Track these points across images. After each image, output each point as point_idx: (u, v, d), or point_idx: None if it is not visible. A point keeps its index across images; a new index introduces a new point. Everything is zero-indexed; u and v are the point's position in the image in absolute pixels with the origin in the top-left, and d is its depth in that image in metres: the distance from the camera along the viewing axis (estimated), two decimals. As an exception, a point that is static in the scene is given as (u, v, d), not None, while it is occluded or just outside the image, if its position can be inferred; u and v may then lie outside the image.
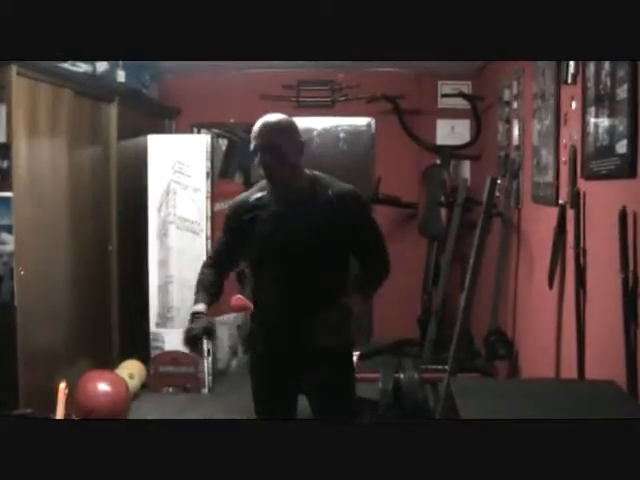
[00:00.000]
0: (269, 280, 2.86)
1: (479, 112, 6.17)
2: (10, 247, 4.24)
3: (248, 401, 3.02)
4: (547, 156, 3.81)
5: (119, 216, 5.65)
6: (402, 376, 4.56)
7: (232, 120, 6.56)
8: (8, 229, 4.24)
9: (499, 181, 4.86)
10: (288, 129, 2.79)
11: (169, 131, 6.70)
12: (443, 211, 6.30)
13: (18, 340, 4.25)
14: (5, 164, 4.23)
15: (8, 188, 4.22)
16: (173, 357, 5.45)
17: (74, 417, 4.60)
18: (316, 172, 2.91)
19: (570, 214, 3.28)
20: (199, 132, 6.70)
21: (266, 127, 2.75)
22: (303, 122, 7.04)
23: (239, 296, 4.68)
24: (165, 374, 5.56)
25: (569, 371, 3.26)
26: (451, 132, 6.78)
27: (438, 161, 6.58)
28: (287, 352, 2.81)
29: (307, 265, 2.77)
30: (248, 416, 3.05)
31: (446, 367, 4.32)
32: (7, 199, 4.23)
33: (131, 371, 5.34)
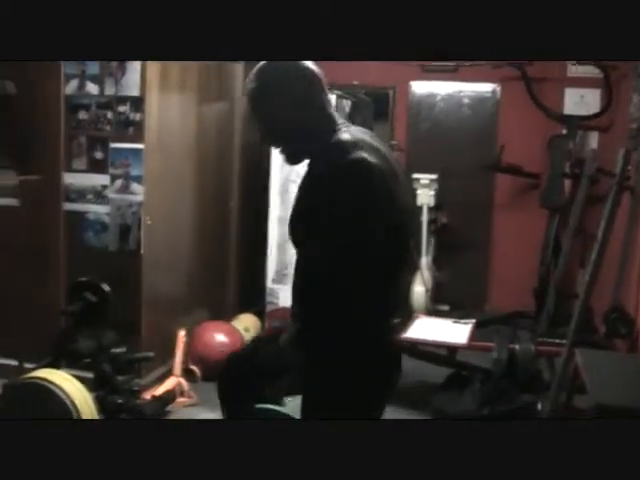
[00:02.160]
0: None
1: (611, 82, 5.94)
2: (139, 197, 4.38)
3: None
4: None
5: (241, 172, 5.76)
6: (518, 347, 4.49)
7: (355, 82, 6.53)
8: (138, 180, 4.38)
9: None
10: (273, 79, 2.16)
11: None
12: (567, 182, 6.14)
13: (142, 286, 4.42)
14: (138, 117, 4.37)
15: (140, 140, 4.36)
16: (287, 313, 5.50)
17: (190, 366, 4.76)
18: (348, 133, 2.15)
19: None
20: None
21: (249, 81, 2.18)
22: (427, 87, 7.01)
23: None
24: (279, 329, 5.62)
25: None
26: (580, 101, 6.54)
27: (564, 131, 6.37)
28: None
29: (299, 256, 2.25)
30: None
31: (563, 341, 4.22)
32: (139, 150, 4.37)
33: (246, 324, 5.45)
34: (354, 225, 2.02)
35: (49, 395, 3.58)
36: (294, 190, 5.32)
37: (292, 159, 2.28)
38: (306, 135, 2.20)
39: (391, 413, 4.37)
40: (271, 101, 2.15)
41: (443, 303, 6.67)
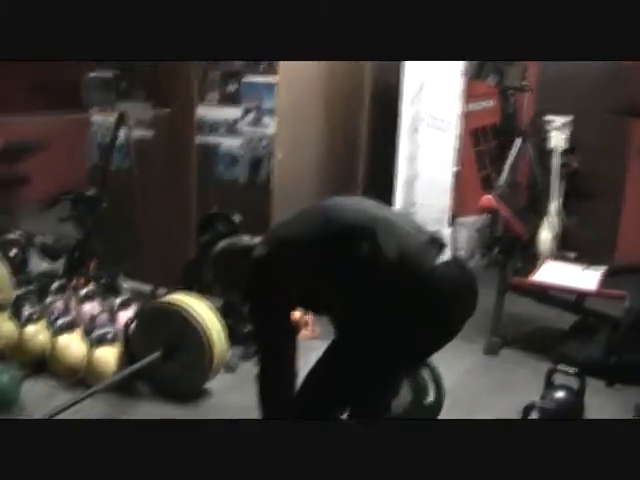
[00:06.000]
0: None
1: None
2: (270, 130, 4.43)
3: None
4: None
5: (371, 109, 5.72)
6: (651, 297, 4.34)
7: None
8: (270, 113, 4.42)
9: None
10: None
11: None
12: None
13: (272, 219, 4.49)
14: (272, 50, 4.39)
15: (273, 73, 4.39)
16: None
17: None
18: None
19: None
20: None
21: None
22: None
23: (489, 196, 4.64)
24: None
25: None
26: None
27: None
28: None
29: None
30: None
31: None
32: (271, 85, 4.40)
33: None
34: None
35: (181, 318, 3.72)
36: (424, 129, 5.24)
37: None
38: None
39: (517, 358, 4.34)
40: None
41: (570, 250, 6.49)
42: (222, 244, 2.77)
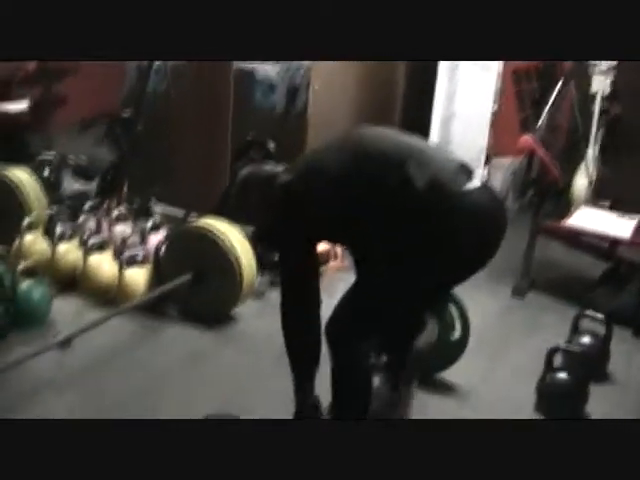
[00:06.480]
0: None
1: None
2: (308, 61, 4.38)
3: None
4: None
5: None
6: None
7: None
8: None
9: None
10: None
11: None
12: None
13: (306, 149, 4.46)
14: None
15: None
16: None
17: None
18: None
19: None
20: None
21: None
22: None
23: (528, 137, 4.57)
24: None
25: None
26: None
27: None
28: None
29: None
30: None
31: None
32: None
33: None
34: None
35: (212, 243, 3.73)
36: (464, 67, 5.11)
37: None
38: None
39: (544, 302, 4.33)
40: None
41: (605, 198, 6.39)
42: (246, 170, 2.76)
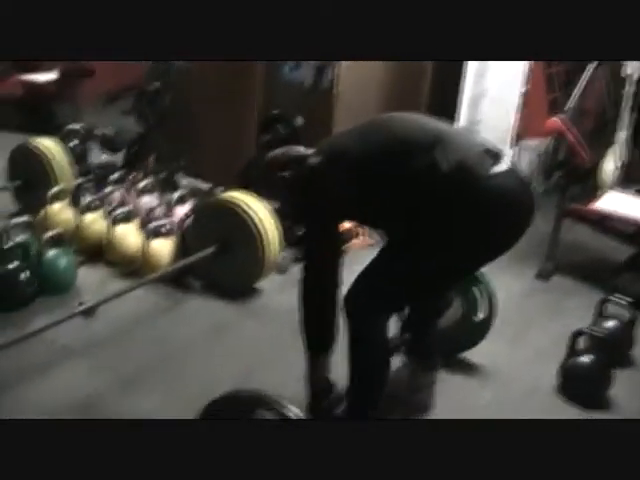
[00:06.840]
0: None
1: None
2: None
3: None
4: None
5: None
6: None
7: None
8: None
9: None
10: None
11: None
12: None
13: (333, 124, 4.45)
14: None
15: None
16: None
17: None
18: None
19: None
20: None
21: None
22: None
23: (557, 118, 4.52)
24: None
25: None
26: None
27: None
28: None
29: None
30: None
31: None
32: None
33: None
34: None
35: (237, 216, 3.74)
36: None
37: None
38: None
39: (568, 285, 4.30)
40: None
41: (634, 183, 6.33)
42: (277, 151, 2.77)
